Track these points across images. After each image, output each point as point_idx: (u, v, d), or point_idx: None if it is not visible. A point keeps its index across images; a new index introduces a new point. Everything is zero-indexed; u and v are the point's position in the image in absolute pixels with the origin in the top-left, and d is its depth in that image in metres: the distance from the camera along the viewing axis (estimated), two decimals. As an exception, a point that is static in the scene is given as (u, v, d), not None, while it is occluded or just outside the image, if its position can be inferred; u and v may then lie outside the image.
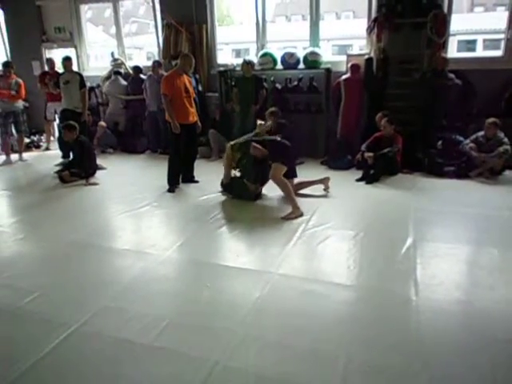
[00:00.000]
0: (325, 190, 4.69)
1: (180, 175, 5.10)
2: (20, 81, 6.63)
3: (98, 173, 5.66)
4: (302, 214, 4.01)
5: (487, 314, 2.43)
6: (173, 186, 4.97)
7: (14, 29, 8.15)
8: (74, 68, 6.57)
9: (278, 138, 4.53)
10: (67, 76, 6.12)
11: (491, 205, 4.17)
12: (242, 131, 6.09)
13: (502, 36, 6.01)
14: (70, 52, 7.57)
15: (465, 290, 2.74)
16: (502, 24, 5.93)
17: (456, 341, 2.23)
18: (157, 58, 7.32)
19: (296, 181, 4.53)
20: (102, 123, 7.22)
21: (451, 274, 2.93)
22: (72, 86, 6.06)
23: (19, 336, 2.36)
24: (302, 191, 4.60)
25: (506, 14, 5.84)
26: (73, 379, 2.05)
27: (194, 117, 5.03)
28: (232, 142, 4.59)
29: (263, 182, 4.53)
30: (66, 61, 6.18)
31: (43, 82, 6.96)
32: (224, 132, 6.36)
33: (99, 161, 5.89)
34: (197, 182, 5.18)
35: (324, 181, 4.70)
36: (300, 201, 4.17)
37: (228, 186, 4.60)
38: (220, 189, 4.68)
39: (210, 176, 5.11)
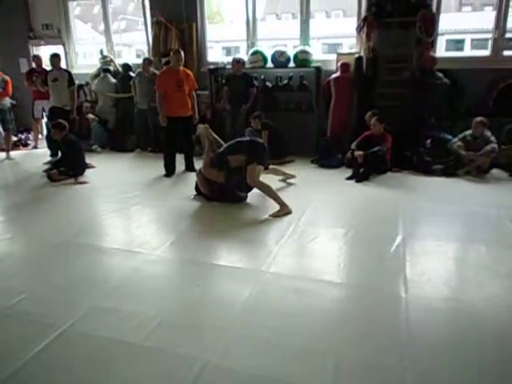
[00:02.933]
0: (282, 180, 4.93)
1: (175, 163, 5.54)
2: (7, 78, 6.54)
3: (88, 171, 5.62)
4: (290, 211, 4.01)
5: (475, 311, 2.46)
6: (168, 172, 5.48)
7: (1, 25, 8.01)
8: (63, 65, 6.50)
9: (248, 138, 4.47)
10: (55, 73, 6.05)
11: (479, 202, 4.23)
12: (232, 130, 6.12)
13: (489, 36, 6.08)
14: (58, 49, 7.49)
15: (453, 287, 2.77)
16: (490, 24, 6.00)
17: (445, 337, 2.25)
18: (147, 56, 7.28)
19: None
20: (93, 116, 7.17)
21: (440, 271, 2.96)
22: (60, 84, 6.00)
23: (8, 337, 2.34)
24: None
25: (494, 13, 5.91)
26: (63, 380, 2.03)
27: (185, 110, 5.34)
28: (201, 170, 4.42)
29: (249, 189, 4.41)
30: (54, 58, 6.10)
31: (30, 79, 6.86)
32: (215, 131, 6.34)
33: (87, 159, 5.83)
34: (195, 171, 5.35)
35: (291, 176, 4.99)
36: (290, 199, 4.17)
37: (212, 196, 4.43)
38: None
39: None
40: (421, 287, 2.71)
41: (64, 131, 5.38)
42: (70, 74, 6.14)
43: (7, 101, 6.59)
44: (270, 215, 3.97)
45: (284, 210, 4.00)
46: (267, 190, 4.13)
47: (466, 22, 12.42)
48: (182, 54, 5.34)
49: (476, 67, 5.76)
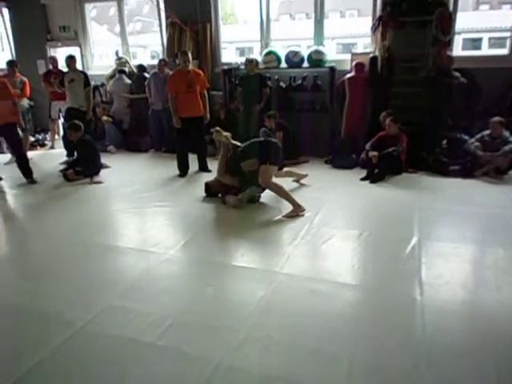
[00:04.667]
0: (296, 181, 4.92)
1: (188, 163, 5.58)
2: (25, 79, 6.66)
3: (103, 171, 5.67)
4: (303, 211, 3.98)
5: (492, 315, 2.42)
6: (182, 172, 5.51)
7: (19, 28, 8.17)
8: (79, 67, 6.59)
9: (261, 139, 4.46)
10: (72, 75, 6.14)
11: (496, 204, 4.15)
12: (246, 130, 6.12)
13: (507, 34, 5.97)
14: (75, 51, 7.58)
15: (470, 290, 2.72)
16: (508, 22, 5.91)
17: (461, 341, 2.21)
18: (162, 57, 7.32)
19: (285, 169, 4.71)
20: (108, 118, 7.25)
21: (456, 273, 2.92)
22: (76, 85, 6.08)
23: (24, 334, 2.37)
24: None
25: (512, 12, 5.81)
26: (77, 377, 2.06)
27: (197, 111, 5.39)
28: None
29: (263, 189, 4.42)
30: (70, 59, 6.19)
31: (48, 80, 6.97)
32: (229, 131, 6.34)
33: (102, 160, 5.89)
34: (210, 171, 5.51)
35: (302, 176, 4.98)
36: (303, 200, 4.15)
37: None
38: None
39: (215, 174, 5.11)
40: (437, 290, 2.67)
41: (79, 132, 5.45)
42: (86, 75, 6.22)
43: (25, 102, 6.72)
44: (283, 216, 3.96)
45: (297, 211, 3.97)
46: (279, 191, 4.10)
47: (484, 20, 12.24)
48: (190, 54, 5.40)
49: (494, 66, 5.65)
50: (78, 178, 5.39)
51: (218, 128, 4.56)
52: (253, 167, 4.17)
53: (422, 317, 2.41)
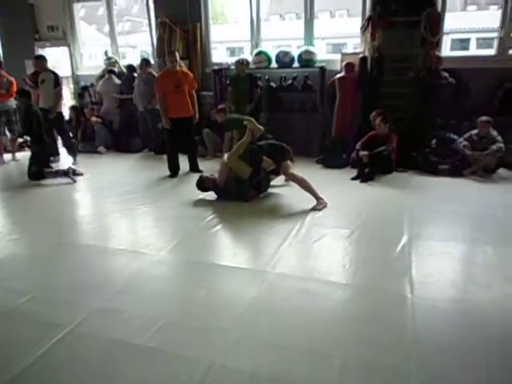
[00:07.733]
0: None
1: (178, 164, 5.54)
2: (12, 79, 6.56)
3: (92, 172, 5.63)
4: (325, 202, 4.19)
5: (482, 312, 2.44)
6: (172, 173, 5.48)
7: (7, 27, 8.06)
8: (67, 67, 6.50)
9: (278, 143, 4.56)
10: (43, 75, 6.06)
11: (485, 203, 4.19)
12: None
13: (495, 35, 6.04)
14: (63, 51, 7.51)
15: (460, 288, 2.75)
16: (495, 23, 5.96)
17: (451, 339, 2.23)
18: (148, 57, 7.28)
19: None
20: (97, 119, 7.18)
21: (446, 272, 2.94)
22: (47, 86, 5.98)
23: (13, 337, 2.34)
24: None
25: (499, 12, 5.87)
26: (67, 380, 2.03)
27: (186, 111, 5.35)
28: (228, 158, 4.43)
29: (261, 191, 4.53)
30: (37, 60, 6.08)
31: (34, 81, 6.87)
32: (219, 132, 6.34)
33: (90, 161, 5.79)
34: (201, 171, 5.38)
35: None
36: (294, 199, 4.17)
37: (222, 190, 4.47)
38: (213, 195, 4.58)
39: (205, 175, 5.10)
40: (427, 288, 2.70)
41: (24, 98, 5.36)
42: (56, 75, 6.08)
43: (12, 102, 6.61)
44: (310, 209, 4.08)
45: (322, 203, 4.16)
46: (301, 183, 4.29)
47: (472, 21, 12.35)
48: (177, 54, 5.38)
49: (482, 66, 5.71)
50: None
51: (251, 118, 4.55)
52: (268, 165, 4.36)
53: (413, 315, 2.42)
